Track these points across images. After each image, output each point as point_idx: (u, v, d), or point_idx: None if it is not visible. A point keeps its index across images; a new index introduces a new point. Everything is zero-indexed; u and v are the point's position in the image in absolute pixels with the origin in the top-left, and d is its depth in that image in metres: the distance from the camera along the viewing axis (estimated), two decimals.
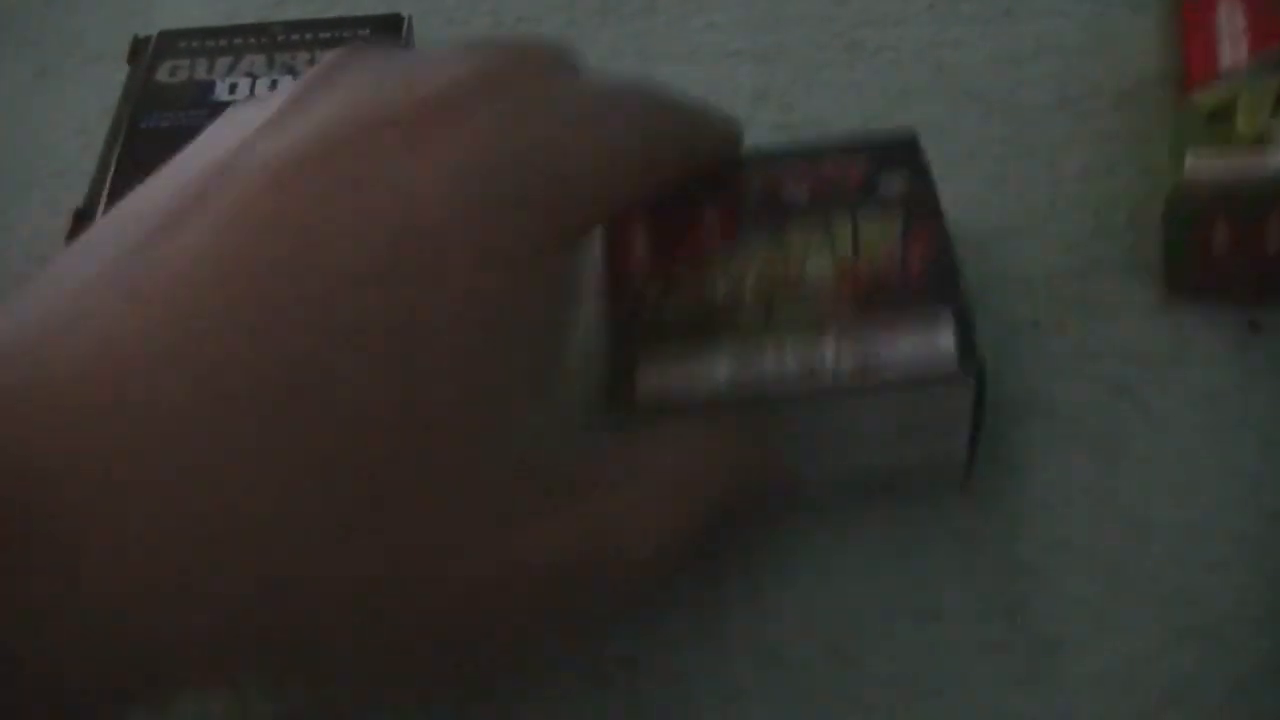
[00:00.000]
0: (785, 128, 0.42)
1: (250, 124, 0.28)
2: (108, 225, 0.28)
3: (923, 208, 0.33)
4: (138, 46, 0.45)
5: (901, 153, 0.34)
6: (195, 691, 0.29)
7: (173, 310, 0.25)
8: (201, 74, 0.44)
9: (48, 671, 0.23)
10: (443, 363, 0.26)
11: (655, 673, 0.31)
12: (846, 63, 0.44)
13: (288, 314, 0.25)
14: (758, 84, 0.43)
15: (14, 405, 0.24)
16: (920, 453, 0.32)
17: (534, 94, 0.29)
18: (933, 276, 0.32)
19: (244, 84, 0.43)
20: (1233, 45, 0.37)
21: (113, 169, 0.41)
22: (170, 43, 0.45)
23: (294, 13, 0.48)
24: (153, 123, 0.42)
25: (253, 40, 0.45)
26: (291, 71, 0.44)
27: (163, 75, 0.44)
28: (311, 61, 0.44)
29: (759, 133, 0.37)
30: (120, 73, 0.45)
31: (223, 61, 0.44)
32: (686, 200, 0.33)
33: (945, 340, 0.31)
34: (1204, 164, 0.34)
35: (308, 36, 0.45)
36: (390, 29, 0.44)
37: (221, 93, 0.43)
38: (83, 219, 0.40)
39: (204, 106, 0.43)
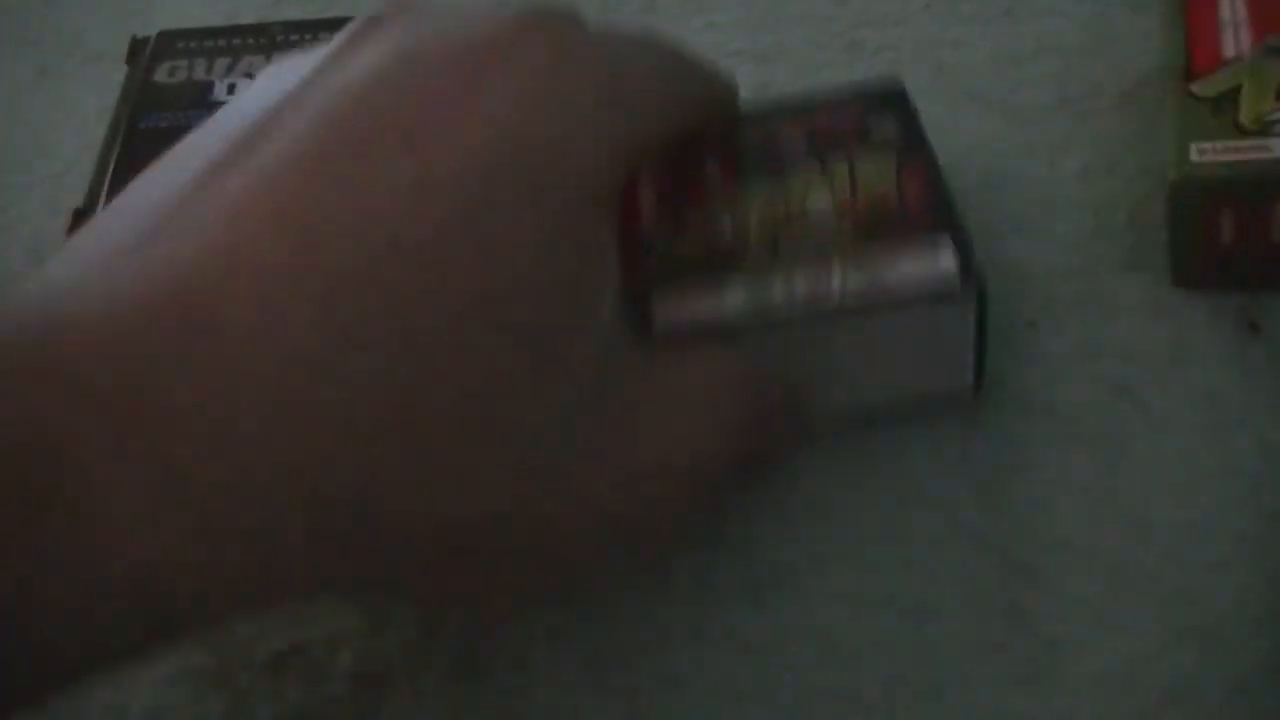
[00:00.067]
0: None
1: (300, 70, 0.29)
2: (154, 173, 0.28)
3: (915, 148, 0.34)
4: (136, 47, 0.45)
5: (891, 100, 0.36)
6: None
7: (235, 233, 0.26)
8: (200, 74, 0.44)
9: (159, 559, 0.24)
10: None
11: (655, 673, 0.31)
12: (846, 63, 0.44)
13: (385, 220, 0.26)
14: (758, 84, 0.43)
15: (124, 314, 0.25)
16: (928, 377, 0.33)
17: (567, 44, 0.30)
18: (930, 208, 0.33)
19: (243, 84, 0.43)
20: (1235, 34, 0.37)
21: (111, 169, 0.41)
22: (169, 43, 0.45)
23: (293, 13, 0.48)
24: (152, 123, 0.42)
25: (252, 41, 0.45)
26: None
27: (161, 75, 0.44)
28: None
29: None
30: (119, 73, 0.45)
31: (221, 62, 0.44)
32: (687, 154, 0.34)
33: (946, 262, 0.32)
34: (1209, 153, 0.34)
35: (307, 37, 0.45)
36: None
37: (220, 93, 0.43)
38: (83, 219, 0.40)
39: (203, 107, 0.42)
